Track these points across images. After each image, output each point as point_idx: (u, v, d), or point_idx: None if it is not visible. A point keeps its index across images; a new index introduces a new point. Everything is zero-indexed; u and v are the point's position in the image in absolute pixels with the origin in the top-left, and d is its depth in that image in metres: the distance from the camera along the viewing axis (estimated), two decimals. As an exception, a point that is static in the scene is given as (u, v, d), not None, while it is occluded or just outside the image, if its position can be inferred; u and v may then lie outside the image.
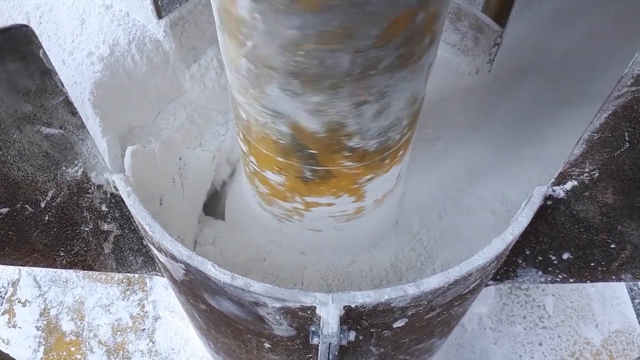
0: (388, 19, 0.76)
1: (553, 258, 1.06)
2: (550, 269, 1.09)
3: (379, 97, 0.92)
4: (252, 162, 1.22)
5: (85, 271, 2.14)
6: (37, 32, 0.73)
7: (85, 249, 1.07)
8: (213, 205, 1.65)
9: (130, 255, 1.14)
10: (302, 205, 1.26)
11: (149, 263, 1.18)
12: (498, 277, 1.15)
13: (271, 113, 0.98)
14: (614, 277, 1.06)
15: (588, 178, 0.89)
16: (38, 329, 2.05)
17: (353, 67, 0.83)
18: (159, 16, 1.45)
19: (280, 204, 1.30)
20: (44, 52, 0.76)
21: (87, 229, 1.04)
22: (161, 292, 2.11)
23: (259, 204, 1.38)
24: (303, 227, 1.35)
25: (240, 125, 1.15)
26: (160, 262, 1.06)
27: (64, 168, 0.92)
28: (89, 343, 2.01)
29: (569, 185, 0.92)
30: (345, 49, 0.79)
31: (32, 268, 2.16)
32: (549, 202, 0.96)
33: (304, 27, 0.75)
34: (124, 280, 2.16)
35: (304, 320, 0.91)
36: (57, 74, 0.80)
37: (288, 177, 1.16)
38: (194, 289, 1.00)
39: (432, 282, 0.87)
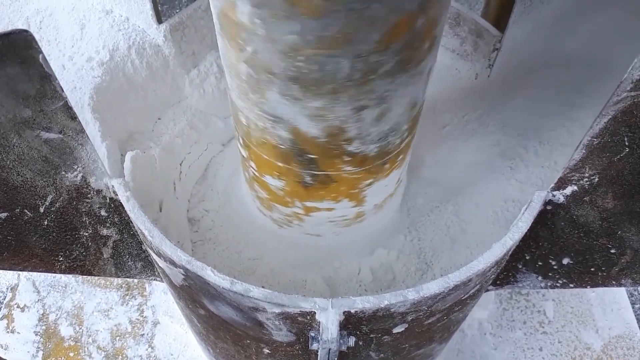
0: (388, 23, 0.76)
1: (553, 263, 1.06)
2: (550, 274, 1.09)
3: (379, 101, 0.92)
4: (251, 167, 1.22)
5: (84, 276, 2.13)
6: (37, 37, 0.73)
7: (84, 253, 1.07)
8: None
9: (129, 260, 1.14)
10: (302, 210, 1.25)
11: (148, 268, 1.17)
12: (498, 282, 1.15)
13: (271, 118, 0.98)
14: (614, 282, 1.06)
15: (588, 183, 0.89)
16: (37, 334, 2.04)
17: (353, 72, 0.83)
18: (159, 21, 1.46)
19: (280, 209, 1.29)
20: (44, 57, 0.76)
21: (86, 233, 1.03)
22: (160, 297, 2.11)
23: (259, 209, 1.38)
24: (303, 232, 1.35)
25: (240, 131, 1.15)
26: (159, 267, 1.05)
27: (63, 173, 0.92)
28: (87, 348, 2.00)
29: (568, 190, 0.92)
30: (345, 54, 0.79)
31: (30, 273, 2.15)
32: (548, 207, 0.95)
33: (304, 32, 0.76)
34: (123, 285, 2.15)
35: (303, 325, 0.91)
36: (56, 79, 0.80)
37: (288, 182, 1.16)
38: (193, 294, 1.00)
39: (432, 287, 0.86)
